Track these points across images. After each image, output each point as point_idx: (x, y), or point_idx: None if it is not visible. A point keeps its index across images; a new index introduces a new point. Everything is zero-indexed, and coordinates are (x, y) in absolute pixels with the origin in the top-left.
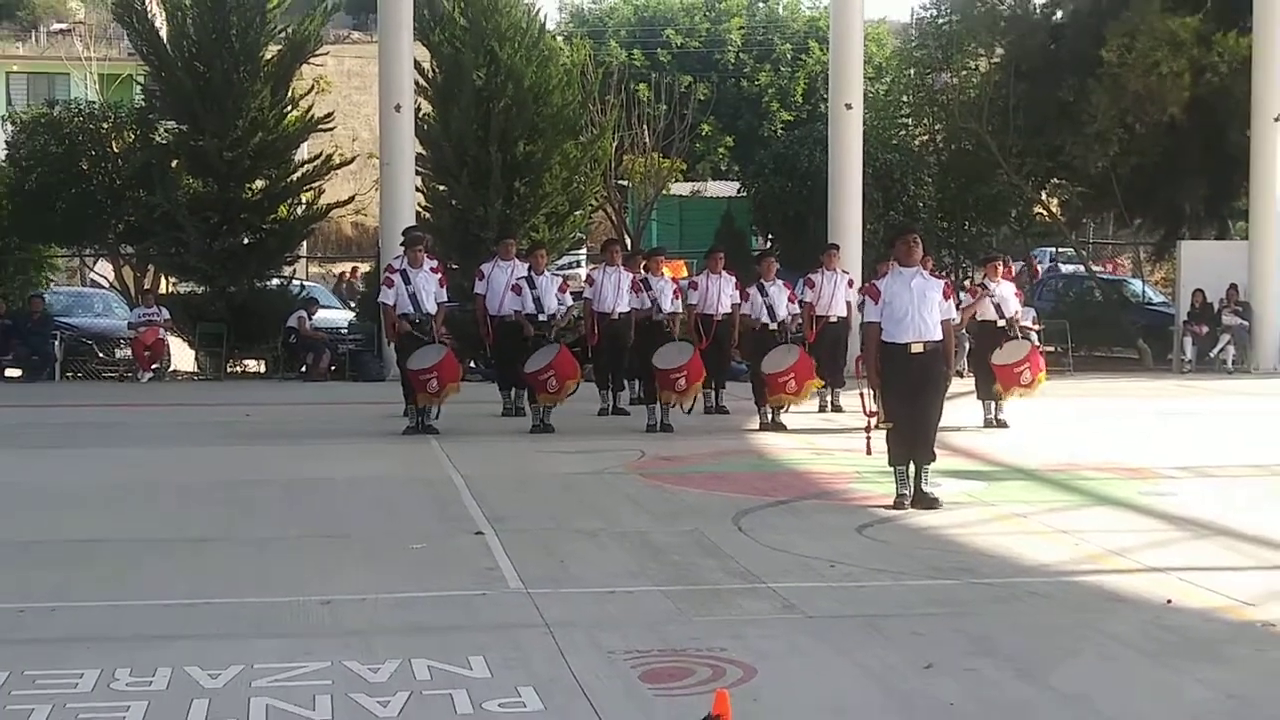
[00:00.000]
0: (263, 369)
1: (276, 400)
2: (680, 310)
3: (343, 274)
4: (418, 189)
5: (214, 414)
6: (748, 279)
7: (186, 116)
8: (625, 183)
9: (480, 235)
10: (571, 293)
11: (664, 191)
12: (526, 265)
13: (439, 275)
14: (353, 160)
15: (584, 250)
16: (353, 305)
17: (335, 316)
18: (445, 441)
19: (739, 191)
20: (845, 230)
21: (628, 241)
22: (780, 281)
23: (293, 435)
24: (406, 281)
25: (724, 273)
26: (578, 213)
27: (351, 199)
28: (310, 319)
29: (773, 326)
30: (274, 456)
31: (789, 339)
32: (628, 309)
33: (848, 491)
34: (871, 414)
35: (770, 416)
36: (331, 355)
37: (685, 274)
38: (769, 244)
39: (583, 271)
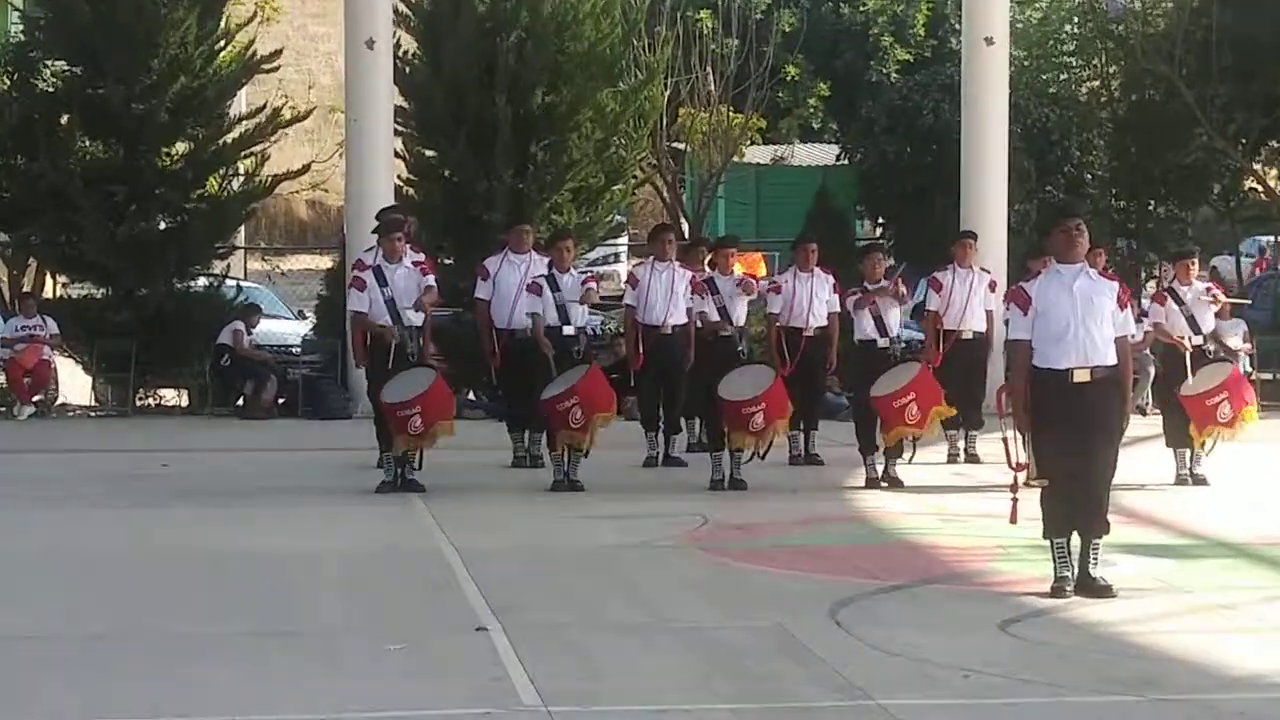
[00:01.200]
0: (185, 402)
1: (204, 445)
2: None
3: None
4: (397, 155)
5: (117, 463)
6: (850, 279)
7: (82, 55)
8: (682, 146)
9: (483, 219)
10: (603, 297)
11: (735, 158)
12: (547, 260)
13: (426, 273)
14: (309, 115)
15: (625, 239)
16: (307, 314)
17: (284, 330)
18: (434, 501)
19: (838, 159)
20: (984, 212)
21: (685, 228)
22: (890, 286)
23: (226, 494)
24: (381, 282)
25: (818, 270)
26: (616, 188)
27: (307, 168)
28: (250, 333)
29: (883, 344)
30: (200, 523)
31: (905, 360)
32: (684, 320)
33: (987, 573)
34: (1019, 467)
35: (882, 468)
36: (279, 383)
37: (764, 273)
38: (879, 231)
39: (623, 268)
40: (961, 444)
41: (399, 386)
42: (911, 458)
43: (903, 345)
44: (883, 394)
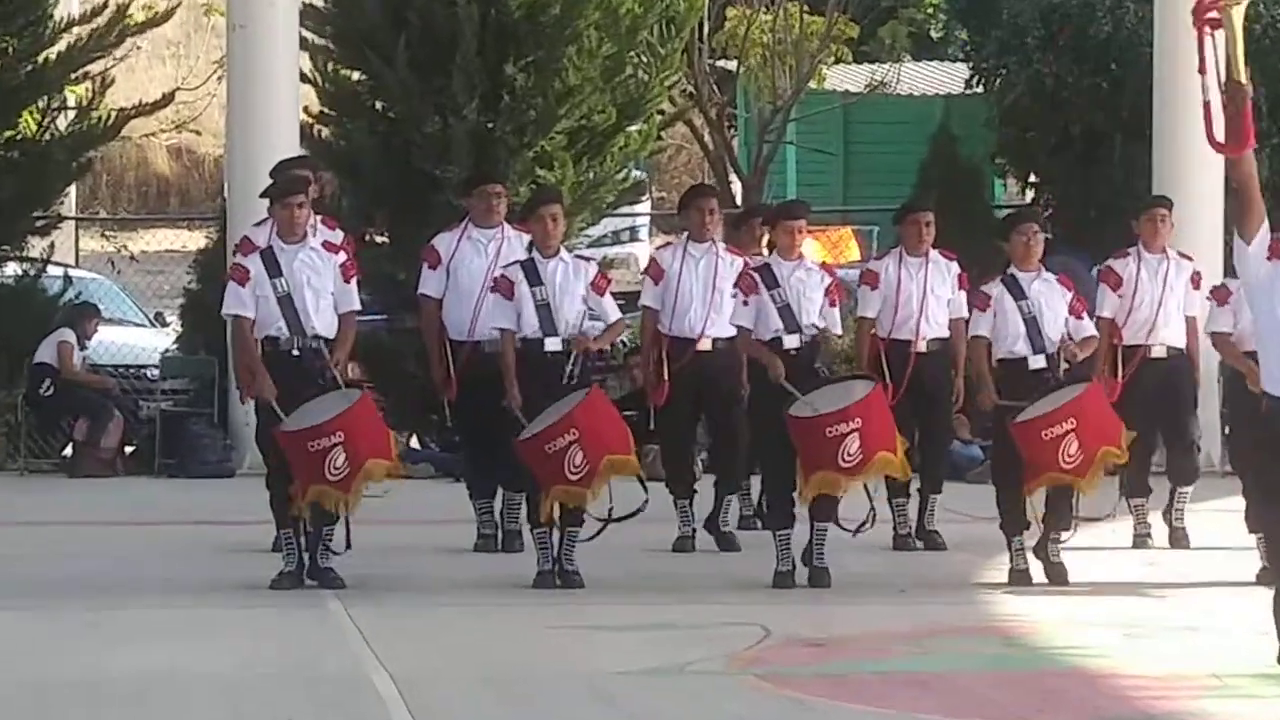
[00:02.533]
0: None
1: (15, 515)
2: (837, 327)
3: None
4: (305, 78)
5: None
6: (985, 265)
7: None
8: (732, 66)
9: (434, 175)
10: (611, 294)
11: (812, 84)
12: (526, 239)
13: (342, 257)
14: (171, 14)
15: (646, 206)
16: (169, 319)
17: (135, 342)
18: (359, 603)
19: (968, 85)
20: (1186, 171)
21: (736, 188)
22: (1050, 275)
23: (50, 590)
24: (274, 271)
25: (935, 254)
26: (634, 129)
27: (170, 98)
28: (84, 347)
29: (1037, 362)
30: (12, 634)
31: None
32: (732, 330)
33: (1196, 715)
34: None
35: (1033, 552)
36: (126, 421)
37: (852, 255)
38: (1030, 195)
39: (643, 251)
40: (1174, 513)
41: (307, 413)
42: (1074, 528)
43: (1067, 366)
44: (1028, 418)
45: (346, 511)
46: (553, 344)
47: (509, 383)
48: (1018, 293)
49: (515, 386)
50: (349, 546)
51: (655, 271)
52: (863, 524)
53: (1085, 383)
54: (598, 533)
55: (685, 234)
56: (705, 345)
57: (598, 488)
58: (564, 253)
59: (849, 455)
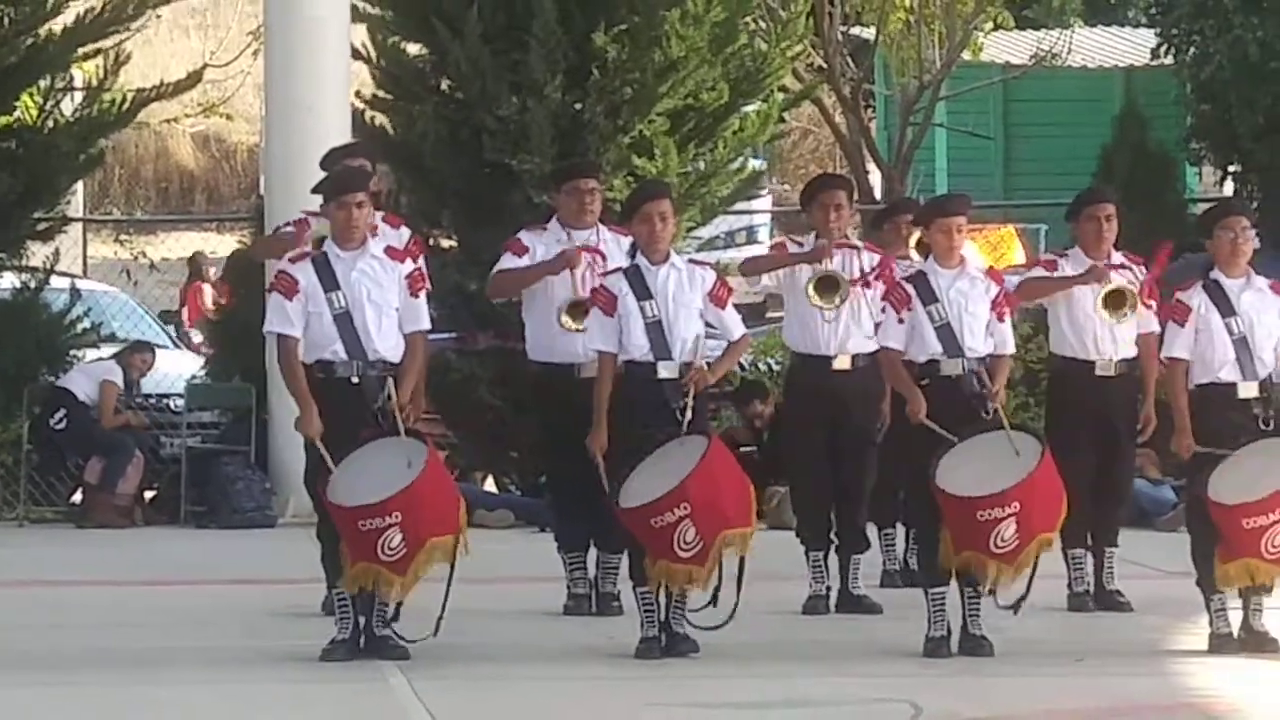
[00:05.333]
0: None
1: (15, 574)
2: (1010, 349)
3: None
4: (358, 55)
5: None
6: (1177, 270)
7: None
8: (869, 35)
9: (510, 166)
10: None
11: (967, 55)
12: (627, 241)
13: (409, 266)
14: None
15: (767, 201)
16: (194, 339)
17: (154, 364)
18: (424, 674)
19: (1155, 56)
20: None
21: (875, 179)
22: (1263, 281)
23: (60, 664)
24: (329, 281)
25: (1118, 256)
26: (751, 109)
27: (195, 79)
28: (130, 392)
29: (1247, 390)
30: (21, 712)
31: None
32: (873, 347)
33: None
34: None
35: (1242, 618)
36: (147, 461)
37: (1015, 259)
38: (1230, 186)
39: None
40: None
41: (361, 474)
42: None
43: None
44: (1228, 502)
45: (401, 596)
46: (667, 369)
47: (598, 422)
48: (1224, 304)
49: (604, 429)
50: (398, 614)
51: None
52: (1021, 598)
53: None
54: (718, 626)
55: (812, 232)
56: (843, 365)
57: (712, 566)
58: (675, 258)
59: (1003, 541)
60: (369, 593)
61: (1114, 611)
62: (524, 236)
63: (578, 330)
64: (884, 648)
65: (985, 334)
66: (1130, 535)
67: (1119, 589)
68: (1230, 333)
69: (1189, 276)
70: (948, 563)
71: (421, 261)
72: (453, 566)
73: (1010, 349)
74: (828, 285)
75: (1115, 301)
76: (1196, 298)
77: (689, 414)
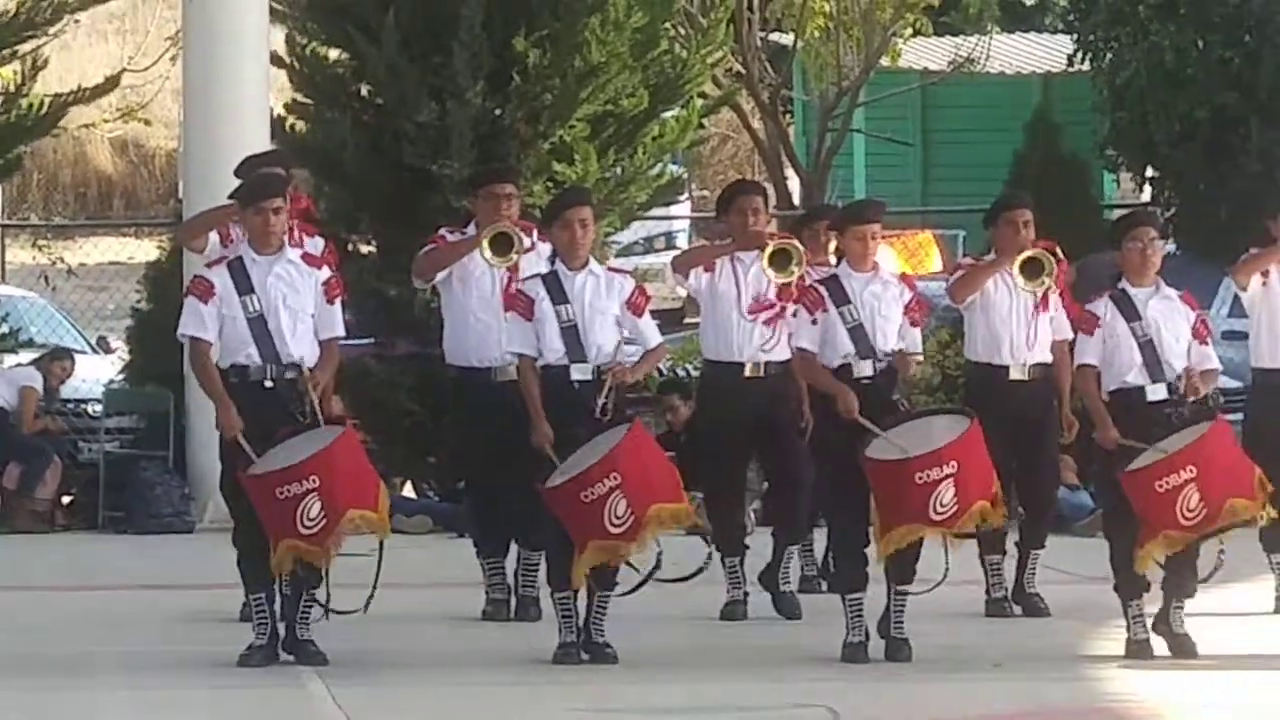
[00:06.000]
0: None
1: None
2: (919, 351)
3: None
4: (276, 60)
5: None
6: (1087, 277)
7: None
8: (788, 40)
9: (429, 171)
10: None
11: (885, 61)
12: (548, 248)
13: (325, 273)
14: None
15: (686, 207)
16: (114, 345)
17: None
18: (343, 682)
19: (1071, 61)
20: None
21: (793, 185)
22: (1172, 291)
23: None
24: (244, 285)
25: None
26: (671, 114)
27: (113, 83)
28: (49, 397)
29: (1156, 392)
30: None
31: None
32: (787, 354)
33: None
34: None
35: (1154, 621)
36: (65, 466)
37: (933, 265)
38: (1147, 192)
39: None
40: None
41: (278, 453)
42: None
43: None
44: (1141, 465)
45: (324, 564)
46: (580, 372)
47: (537, 417)
48: (1130, 310)
49: (544, 421)
50: (328, 614)
51: (693, 281)
52: (938, 583)
53: (1209, 421)
54: (635, 588)
55: (730, 238)
56: (757, 372)
57: (644, 542)
58: (594, 264)
59: (942, 506)
60: (294, 595)
61: (1033, 616)
62: (445, 234)
63: (498, 263)
64: (802, 654)
65: (897, 338)
66: (1048, 540)
67: (1039, 593)
68: (1135, 336)
69: (1099, 272)
70: (881, 550)
71: (336, 269)
72: (381, 544)
73: (919, 351)
74: (782, 259)
75: (1032, 269)
76: (1103, 307)
77: (608, 413)
